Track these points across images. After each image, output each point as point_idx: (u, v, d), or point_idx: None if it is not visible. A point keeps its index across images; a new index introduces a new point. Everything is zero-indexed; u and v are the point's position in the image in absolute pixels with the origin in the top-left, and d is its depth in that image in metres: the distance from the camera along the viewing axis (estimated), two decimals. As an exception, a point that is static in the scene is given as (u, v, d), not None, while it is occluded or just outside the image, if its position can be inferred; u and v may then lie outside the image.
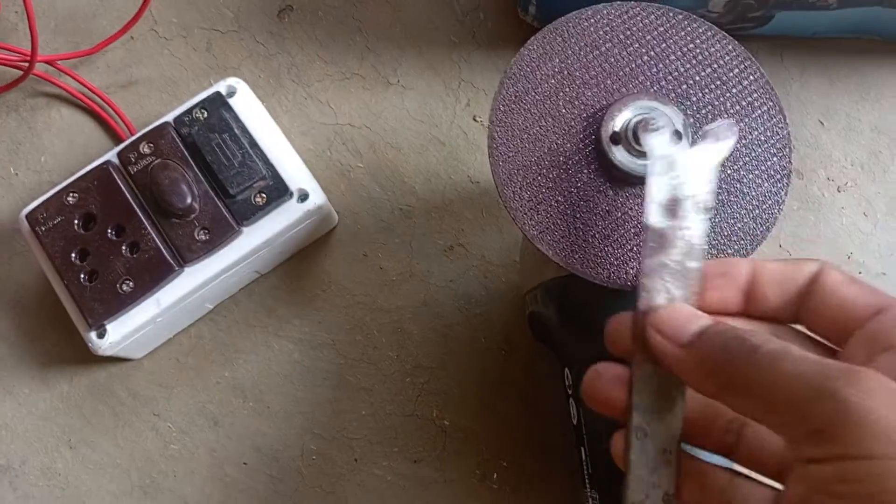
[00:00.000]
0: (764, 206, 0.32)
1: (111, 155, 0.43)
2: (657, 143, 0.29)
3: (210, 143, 0.41)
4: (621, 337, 0.27)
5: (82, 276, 0.40)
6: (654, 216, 0.27)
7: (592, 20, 0.34)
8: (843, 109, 0.48)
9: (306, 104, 0.49)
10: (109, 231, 0.41)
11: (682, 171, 0.28)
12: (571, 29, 0.34)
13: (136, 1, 0.50)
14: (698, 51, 0.33)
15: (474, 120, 0.49)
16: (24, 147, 0.49)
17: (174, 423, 0.45)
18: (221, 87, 0.43)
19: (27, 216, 0.42)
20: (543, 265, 0.38)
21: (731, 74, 0.33)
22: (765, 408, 0.22)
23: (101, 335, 0.41)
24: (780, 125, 0.33)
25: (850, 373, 0.21)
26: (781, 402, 0.22)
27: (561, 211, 0.32)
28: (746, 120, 0.33)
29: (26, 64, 0.47)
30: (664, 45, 0.33)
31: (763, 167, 0.32)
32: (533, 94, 0.33)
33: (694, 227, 0.27)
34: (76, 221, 0.41)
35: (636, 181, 0.32)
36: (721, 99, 0.33)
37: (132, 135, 0.47)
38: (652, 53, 0.33)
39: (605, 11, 0.34)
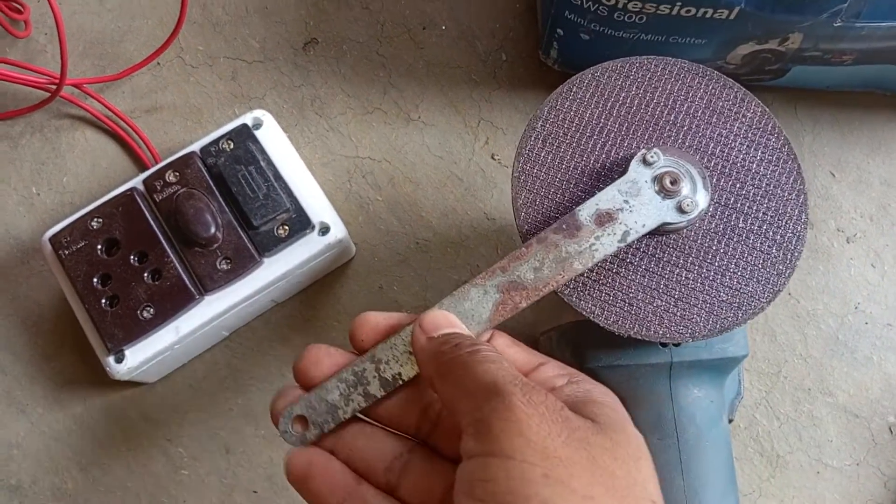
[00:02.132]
0: (776, 267, 0.33)
1: (137, 181, 0.43)
2: (638, 169, 0.31)
3: (236, 174, 0.42)
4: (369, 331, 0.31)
5: (104, 301, 0.41)
6: (585, 211, 0.31)
7: (616, 73, 0.35)
8: (855, 162, 0.49)
9: (328, 136, 0.50)
10: (132, 257, 0.41)
11: (638, 204, 0.31)
12: (595, 81, 0.35)
13: (164, 28, 0.50)
14: (721, 106, 0.34)
15: (492, 158, 0.50)
16: (47, 167, 0.50)
17: (185, 449, 0.45)
18: (248, 118, 0.44)
19: (50, 239, 0.42)
20: (560, 308, 0.39)
21: (754, 136, 0.34)
22: (457, 394, 0.26)
23: (119, 360, 0.41)
24: (797, 188, 0.33)
25: (527, 386, 0.25)
26: (469, 391, 0.25)
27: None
28: (764, 181, 0.33)
29: (54, 86, 0.47)
30: (687, 100, 0.34)
31: (775, 231, 0.33)
32: (556, 144, 0.34)
33: (605, 246, 0.30)
34: (99, 246, 0.42)
35: (655, 233, 0.32)
36: (742, 158, 0.34)
37: (155, 160, 0.48)
38: (674, 108, 0.34)
39: (627, 65, 0.35)
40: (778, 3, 0.40)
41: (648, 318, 0.32)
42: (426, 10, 0.52)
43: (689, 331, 0.32)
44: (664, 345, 0.35)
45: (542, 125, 0.34)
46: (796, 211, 0.33)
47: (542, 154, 0.34)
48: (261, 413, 0.45)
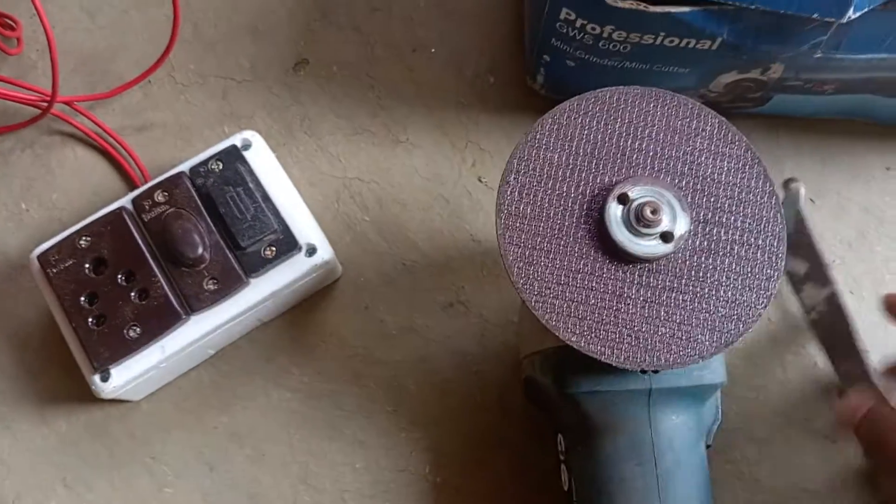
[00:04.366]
0: (764, 271, 0.33)
1: (126, 201, 0.44)
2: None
3: (224, 195, 0.42)
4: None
5: (90, 319, 0.41)
6: None
7: (574, 112, 0.35)
8: (835, 188, 0.50)
9: (317, 156, 0.50)
10: (120, 276, 0.42)
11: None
12: (556, 123, 0.35)
13: (155, 46, 0.51)
14: (680, 125, 0.35)
15: (479, 181, 0.50)
16: (36, 184, 0.50)
17: (169, 467, 0.45)
18: (237, 139, 0.44)
19: (39, 257, 0.42)
20: (543, 333, 0.39)
21: (717, 147, 0.35)
22: None
23: (104, 379, 0.41)
24: (767, 190, 0.34)
25: None
26: None
27: (564, 287, 0.33)
28: (735, 189, 0.34)
29: (45, 103, 0.48)
30: (647, 125, 0.35)
31: (755, 236, 0.34)
32: (532, 194, 0.34)
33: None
34: (87, 265, 0.42)
35: (636, 260, 0.33)
36: (710, 171, 0.34)
37: (145, 178, 0.49)
38: (636, 135, 0.35)
39: (584, 101, 0.35)
40: (759, 34, 0.41)
41: (656, 348, 0.32)
42: (416, 34, 0.52)
43: (696, 352, 0.32)
44: (644, 371, 0.36)
45: (514, 178, 0.34)
46: (771, 212, 0.34)
47: (522, 207, 0.34)
48: (245, 432, 0.46)
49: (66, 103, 0.50)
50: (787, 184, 0.46)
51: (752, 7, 0.39)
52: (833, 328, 0.46)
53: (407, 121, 0.51)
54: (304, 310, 0.48)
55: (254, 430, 0.46)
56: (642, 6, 0.39)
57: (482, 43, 0.52)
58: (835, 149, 0.51)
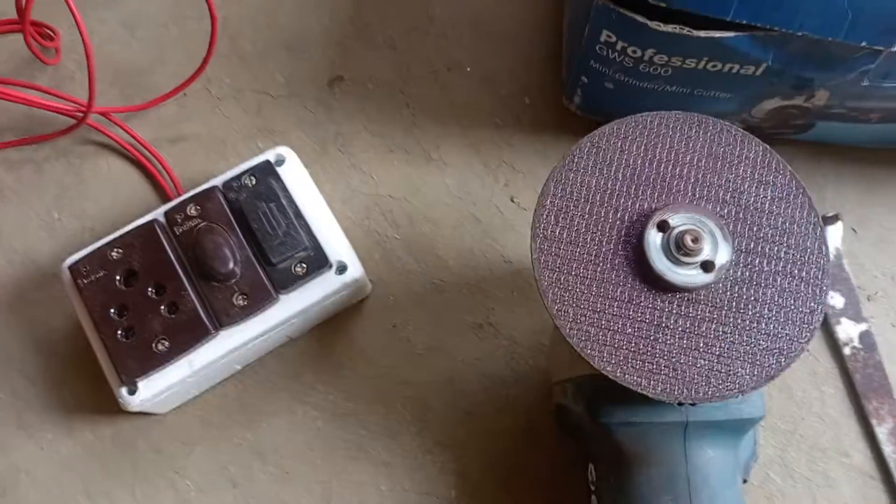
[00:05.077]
0: (807, 304, 0.32)
1: (158, 213, 0.43)
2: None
3: (256, 210, 0.42)
4: None
5: (119, 332, 0.41)
6: None
7: (614, 136, 0.35)
8: (877, 219, 0.49)
9: (349, 173, 0.50)
10: (150, 289, 0.42)
11: None
12: (595, 147, 0.34)
13: (191, 60, 0.51)
14: (723, 151, 0.34)
15: (511, 201, 0.50)
16: (69, 193, 0.50)
17: (193, 482, 0.45)
18: (271, 155, 0.44)
19: (70, 267, 0.42)
20: (576, 360, 0.39)
21: (761, 175, 0.34)
22: None
23: (132, 392, 0.41)
24: (812, 221, 0.33)
25: None
26: None
27: (600, 315, 0.32)
28: (779, 220, 0.33)
29: (81, 114, 0.48)
30: (688, 150, 0.34)
31: (799, 268, 0.33)
32: (569, 218, 0.34)
33: None
34: (118, 277, 0.42)
35: (675, 289, 0.32)
36: (753, 200, 0.33)
37: (177, 190, 0.49)
38: (677, 161, 0.34)
39: (624, 126, 0.35)
40: (805, 61, 0.40)
41: (695, 380, 0.32)
42: (452, 52, 0.52)
43: (736, 385, 0.31)
44: (681, 403, 0.35)
45: (550, 201, 0.34)
46: (816, 244, 0.33)
47: (557, 231, 0.33)
48: (270, 449, 0.45)
49: (102, 114, 0.50)
50: (826, 216, 0.46)
51: (800, 33, 0.38)
52: (866, 365, 0.45)
53: (440, 139, 0.51)
54: (332, 327, 0.47)
55: (278, 447, 0.45)
56: (686, 30, 0.39)
57: (518, 63, 0.52)
58: (878, 179, 0.50)
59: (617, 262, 0.33)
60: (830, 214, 0.48)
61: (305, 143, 0.50)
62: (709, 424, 0.35)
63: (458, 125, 0.51)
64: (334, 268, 0.43)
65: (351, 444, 0.45)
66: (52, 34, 0.53)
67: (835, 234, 0.48)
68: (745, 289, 0.33)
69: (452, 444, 0.45)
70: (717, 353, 0.32)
